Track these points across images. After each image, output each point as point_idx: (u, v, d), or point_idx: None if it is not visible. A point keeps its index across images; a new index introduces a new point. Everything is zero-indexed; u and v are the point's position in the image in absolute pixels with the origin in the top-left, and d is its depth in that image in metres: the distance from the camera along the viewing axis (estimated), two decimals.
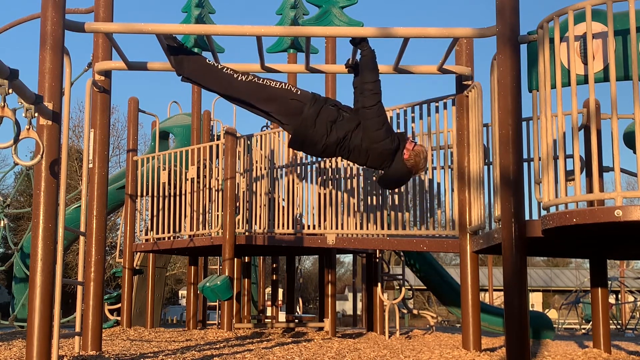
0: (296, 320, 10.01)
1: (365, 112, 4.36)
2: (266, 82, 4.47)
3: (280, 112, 4.46)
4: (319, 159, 7.56)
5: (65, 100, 4.06)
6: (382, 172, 4.58)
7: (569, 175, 4.01)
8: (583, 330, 19.66)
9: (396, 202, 6.65)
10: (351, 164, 7.20)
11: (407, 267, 9.84)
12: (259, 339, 7.03)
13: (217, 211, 8.63)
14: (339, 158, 7.33)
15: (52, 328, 3.70)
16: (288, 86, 4.47)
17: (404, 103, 6.53)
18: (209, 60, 4.59)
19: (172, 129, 12.17)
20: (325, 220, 7.33)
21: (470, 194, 5.29)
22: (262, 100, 4.46)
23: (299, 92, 4.46)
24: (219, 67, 4.52)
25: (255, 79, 4.47)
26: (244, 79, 4.46)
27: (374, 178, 4.70)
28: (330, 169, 7.43)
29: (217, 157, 9.07)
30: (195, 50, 10.06)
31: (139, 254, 10.46)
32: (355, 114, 4.44)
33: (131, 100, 10.01)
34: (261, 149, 8.28)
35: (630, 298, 23.35)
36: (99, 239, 4.90)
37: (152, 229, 9.46)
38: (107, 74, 5.06)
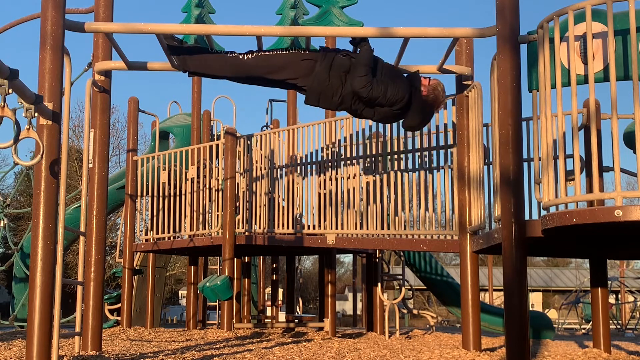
0: (296, 320, 10.01)
1: (359, 92, 4.38)
2: (273, 52, 4.49)
3: (295, 75, 4.47)
4: (319, 158, 7.56)
5: (65, 100, 4.06)
6: (403, 117, 4.60)
7: (569, 175, 4.01)
8: (583, 330, 19.67)
9: (396, 202, 6.65)
10: (351, 163, 7.20)
11: (407, 267, 9.85)
12: (259, 339, 7.03)
13: (217, 211, 8.63)
14: (339, 158, 7.33)
15: (52, 328, 3.70)
16: (296, 50, 4.49)
17: None
18: (210, 50, 4.62)
19: (172, 129, 12.17)
20: (325, 220, 7.33)
21: (470, 194, 5.29)
22: (274, 71, 4.48)
23: (307, 52, 4.49)
24: (222, 53, 4.55)
25: (261, 52, 4.49)
26: (250, 57, 4.48)
27: (402, 123, 4.76)
28: (330, 169, 7.43)
29: (217, 157, 9.07)
30: None
31: (139, 254, 10.47)
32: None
33: (131, 100, 10.01)
34: (261, 149, 8.28)
35: (630, 298, 23.36)
36: (99, 239, 4.90)
37: (152, 229, 9.46)
38: (107, 74, 5.05)
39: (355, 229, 7.02)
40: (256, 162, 8.34)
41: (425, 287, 11.79)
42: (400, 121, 4.78)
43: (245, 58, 4.48)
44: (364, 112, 4.57)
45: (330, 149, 7.52)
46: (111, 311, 10.36)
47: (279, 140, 8.18)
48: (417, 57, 43.20)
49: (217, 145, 8.94)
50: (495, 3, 4.28)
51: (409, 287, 9.59)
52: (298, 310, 16.71)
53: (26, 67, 4.71)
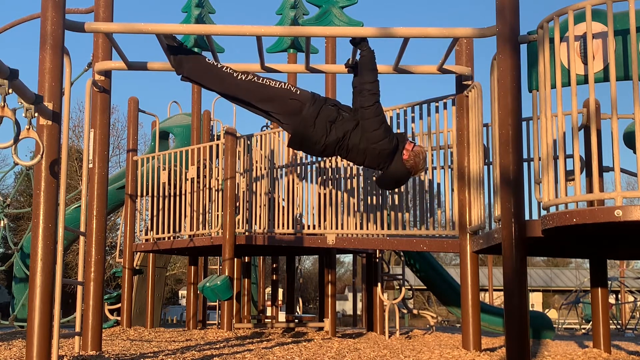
0: (296, 320, 10.01)
1: (364, 112, 4.35)
2: (266, 81, 4.47)
3: (280, 111, 4.46)
4: (319, 158, 7.57)
5: (65, 100, 4.06)
6: (381, 172, 4.58)
7: (569, 175, 4.01)
8: (583, 330, 19.66)
9: (396, 202, 6.65)
10: (351, 163, 7.20)
11: (407, 267, 9.85)
12: (259, 339, 7.02)
13: (217, 211, 8.63)
14: (339, 158, 7.33)
15: (52, 328, 3.70)
16: (288, 86, 4.48)
17: (404, 103, 6.53)
18: (209, 60, 4.59)
19: (172, 129, 12.17)
20: (325, 220, 7.33)
21: (470, 194, 5.29)
22: (262, 100, 4.47)
23: (298, 92, 4.46)
24: (219, 66, 4.53)
25: (255, 78, 4.47)
26: (243, 78, 4.46)
27: (374, 178, 4.71)
28: (330, 169, 7.43)
29: (217, 157, 9.07)
30: (195, 50, 10.06)
31: (139, 254, 10.46)
32: (354, 113, 4.44)
33: (131, 100, 10.01)
34: (261, 149, 8.28)
35: (630, 298, 23.35)
36: (99, 239, 4.90)
37: (152, 229, 9.46)
38: (107, 74, 5.06)
39: (355, 229, 7.02)
40: (256, 162, 8.33)
41: (425, 287, 11.78)
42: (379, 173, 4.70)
43: (239, 77, 4.45)
44: (349, 156, 4.54)
45: None
46: (111, 311, 10.36)
47: (279, 140, 8.18)
48: (417, 57, 43.20)
49: (217, 145, 8.94)
50: (495, 3, 4.28)
51: (409, 287, 9.59)
52: (298, 310, 16.72)
53: (26, 67, 4.71)
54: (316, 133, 4.41)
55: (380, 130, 4.35)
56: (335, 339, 7.23)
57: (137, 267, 10.26)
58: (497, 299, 27.47)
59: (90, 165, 4.94)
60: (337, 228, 7.19)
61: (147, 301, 9.93)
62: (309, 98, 4.44)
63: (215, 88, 4.57)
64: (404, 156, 4.43)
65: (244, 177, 8.50)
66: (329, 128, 4.40)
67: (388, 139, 4.39)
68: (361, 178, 7.06)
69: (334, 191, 7.32)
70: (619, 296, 23.70)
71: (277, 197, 8.16)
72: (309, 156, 7.75)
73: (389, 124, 4.63)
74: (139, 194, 9.67)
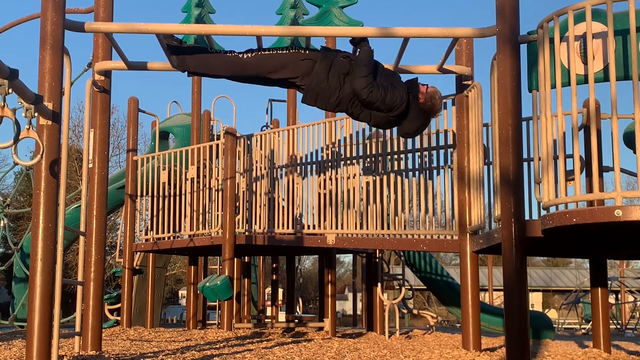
0: (296, 320, 10.01)
1: (360, 93, 4.37)
2: (273, 51, 4.49)
3: (295, 74, 4.47)
4: (319, 158, 7.56)
5: (65, 100, 4.06)
6: (402, 121, 4.59)
7: (569, 175, 4.01)
8: (583, 330, 19.67)
9: (396, 202, 6.65)
10: (351, 163, 7.20)
11: (407, 267, 9.85)
12: (259, 339, 7.02)
13: (217, 211, 8.63)
14: (339, 158, 7.33)
15: (52, 328, 3.70)
16: (296, 49, 4.49)
17: None
18: (209, 49, 4.61)
19: (172, 129, 12.17)
20: (325, 220, 7.33)
21: (470, 194, 5.29)
22: (274, 70, 4.48)
23: (308, 52, 4.49)
24: (222, 52, 4.55)
25: (261, 52, 4.49)
26: (250, 55, 4.48)
27: (398, 132, 4.74)
28: (330, 169, 7.43)
29: (217, 157, 9.07)
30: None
31: (139, 254, 10.46)
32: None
33: (131, 100, 10.01)
34: (261, 149, 8.28)
35: (630, 298, 23.35)
36: (99, 239, 4.90)
37: (152, 229, 9.46)
38: (107, 74, 5.06)
39: (355, 229, 7.01)
40: (256, 162, 8.33)
41: (425, 287, 11.78)
42: (396, 128, 4.76)
43: (245, 57, 4.47)
44: (360, 116, 4.56)
45: (330, 149, 7.52)
46: (111, 311, 10.36)
47: (279, 140, 8.18)
48: (417, 57, 43.20)
49: (217, 145, 8.94)
50: (495, 3, 4.28)
51: (409, 287, 9.59)
52: (298, 310, 16.72)
53: (26, 67, 4.71)
54: (330, 86, 4.43)
55: (387, 97, 4.37)
56: (335, 339, 7.23)
57: (137, 267, 10.26)
58: (497, 299, 27.46)
59: (90, 165, 4.94)
60: (337, 228, 7.19)
61: (147, 301, 9.93)
62: (320, 54, 4.47)
63: (225, 74, 4.58)
64: (420, 100, 4.45)
65: (244, 177, 8.51)
66: (343, 81, 4.42)
67: (395, 94, 4.41)
68: (361, 178, 7.06)
69: (334, 191, 7.32)
70: (619, 296, 23.70)
71: (277, 197, 8.16)
72: (309, 156, 7.75)
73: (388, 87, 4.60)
74: (139, 194, 9.67)
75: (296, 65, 4.44)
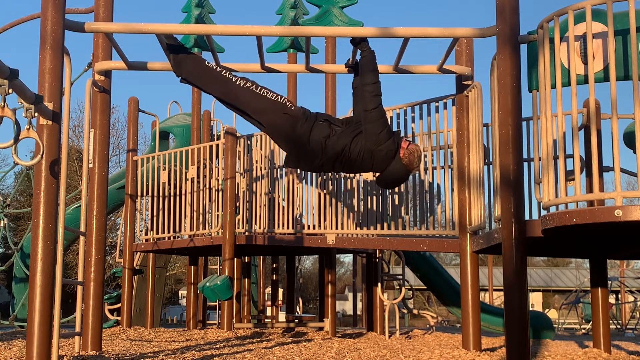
0: (296, 320, 10.00)
1: (367, 115, 4.34)
2: (263, 91, 4.44)
3: (272, 125, 4.44)
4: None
5: (65, 100, 4.06)
6: (380, 173, 4.58)
7: (569, 175, 4.01)
8: (583, 330, 19.67)
9: (396, 202, 6.65)
10: None
11: (407, 267, 9.85)
12: (259, 339, 7.03)
13: (217, 211, 8.63)
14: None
15: (52, 328, 3.70)
16: (283, 100, 4.45)
17: (404, 103, 6.53)
18: (208, 62, 4.57)
19: (172, 129, 12.17)
20: (325, 220, 7.33)
21: (470, 194, 5.29)
22: (257, 111, 4.45)
23: (292, 108, 4.44)
24: (218, 69, 4.50)
25: (253, 87, 4.44)
26: (241, 85, 4.43)
27: (373, 177, 4.70)
28: None
29: (217, 157, 9.07)
30: (195, 50, 10.06)
31: (139, 254, 10.46)
32: (347, 126, 4.44)
33: (131, 100, 10.01)
34: (261, 149, 8.28)
35: (630, 298, 23.35)
36: (99, 239, 4.90)
37: (152, 229, 9.46)
38: (107, 74, 5.05)
39: (355, 228, 7.01)
40: (256, 162, 8.33)
41: (425, 287, 11.78)
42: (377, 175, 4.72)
43: (237, 83, 4.43)
44: (345, 168, 4.55)
45: None
46: (111, 311, 10.36)
47: None
48: (417, 57, 43.19)
49: (217, 145, 8.94)
50: (495, 3, 4.28)
51: (409, 287, 9.59)
52: (298, 310, 16.71)
53: (26, 67, 4.71)
54: (312, 150, 4.42)
55: (384, 131, 4.36)
56: (335, 339, 7.23)
57: (137, 267, 10.26)
58: (497, 299, 27.46)
59: (90, 165, 4.94)
60: (337, 228, 7.19)
61: (147, 301, 9.93)
62: (301, 115, 4.42)
63: (213, 92, 4.56)
64: (400, 154, 4.44)
65: (244, 177, 8.50)
66: (324, 144, 4.40)
67: (392, 140, 4.40)
68: (361, 178, 7.06)
69: (334, 191, 7.32)
70: (619, 296, 23.70)
71: (277, 197, 8.16)
72: None
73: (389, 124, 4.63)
74: (139, 194, 9.67)
75: (276, 116, 4.40)
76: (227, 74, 4.47)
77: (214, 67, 4.51)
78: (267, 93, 4.44)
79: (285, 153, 4.61)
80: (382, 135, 4.35)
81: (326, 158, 4.43)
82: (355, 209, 7.04)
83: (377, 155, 4.41)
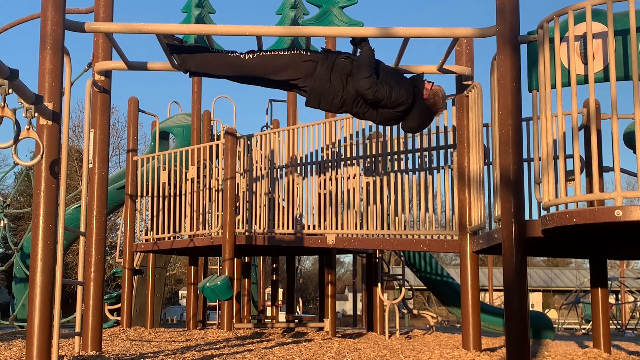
0: (296, 320, 10.01)
1: (365, 94, 4.38)
2: (274, 52, 4.49)
3: (296, 76, 4.48)
4: (319, 158, 7.56)
5: (65, 100, 4.06)
6: (405, 115, 4.60)
7: (569, 175, 4.01)
8: (583, 330, 19.66)
9: (397, 202, 6.65)
10: (351, 163, 7.20)
11: (407, 267, 9.85)
12: (259, 339, 7.03)
13: (217, 211, 8.63)
14: (339, 157, 7.33)
15: (52, 328, 3.70)
16: (297, 50, 4.49)
17: None
18: (212, 49, 4.61)
19: (172, 129, 12.17)
20: (325, 220, 7.33)
21: (470, 194, 5.29)
22: (276, 71, 4.48)
23: (309, 53, 4.49)
24: (223, 52, 4.55)
25: (263, 52, 4.49)
26: (251, 56, 4.48)
27: (401, 126, 4.79)
28: (330, 169, 7.43)
29: (217, 157, 9.07)
30: None
31: (139, 254, 10.46)
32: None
33: (131, 100, 10.01)
34: (261, 149, 8.28)
35: (630, 298, 23.34)
36: (99, 239, 4.90)
37: (152, 229, 9.46)
38: (107, 74, 5.05)
39: (355, 229, 7.01)
40: (256, 162, 8.33)
41: (425, 287, 11.78)
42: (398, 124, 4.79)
43: (247, 58, 4.47)
44: (366, 115, 4.58)
45: (330, 149, 7.52)
46: (111, 311, 10.35)
47: (279, 140, 8.18)
48: (417, 57, 43.20)
49: (217, 145, 8.94)
50: (495, 3, 4.28)
51: (409, 287, 9.59)
52: (298, 310, 16.71)
53: (26, 67, 4.71)
54: (333, 88, 4.44)
55: (390, 93, 4.39)
56: (335, 339, 7.23)
57: (137, 267, 10.26)
58: (497, 299, 27.46)
59: (90, 165, 4.94)
60: (337, 228, 7.19)
61: (147, 301, 9.93)
62: (321, 56, 4.47)
63: (227, 74, 4.58)
64: (423, 95, 4.47)
65: (244, 177, 8.51)
66: (346, 81, 4.42)
67: (401, 90, 4.41)
68: (361, 178, 7.06)
69: (334, 191, 7.31)
70: (619, 296, 23.69)
71: (277, 197, 8.16)
72: (309, 156, 7.75)
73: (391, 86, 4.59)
74: (139, 194, 9.67)
75: (298, 67, 4.45)
76: (234, 53, 4.51)
77: (220, 51, 4.55)
78: (279, 52, 4.48)
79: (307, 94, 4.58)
80: (391, 97, 4.41)
81: (347, 96, 4.44)
82: (356, 209, 7.04)
83: (398, 111, 4.49)
